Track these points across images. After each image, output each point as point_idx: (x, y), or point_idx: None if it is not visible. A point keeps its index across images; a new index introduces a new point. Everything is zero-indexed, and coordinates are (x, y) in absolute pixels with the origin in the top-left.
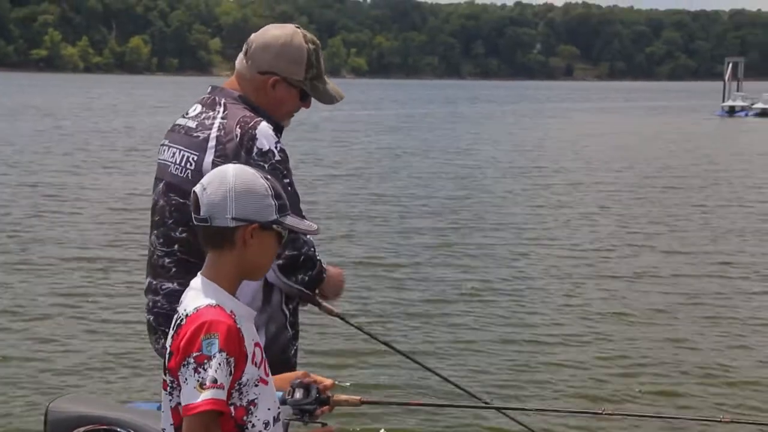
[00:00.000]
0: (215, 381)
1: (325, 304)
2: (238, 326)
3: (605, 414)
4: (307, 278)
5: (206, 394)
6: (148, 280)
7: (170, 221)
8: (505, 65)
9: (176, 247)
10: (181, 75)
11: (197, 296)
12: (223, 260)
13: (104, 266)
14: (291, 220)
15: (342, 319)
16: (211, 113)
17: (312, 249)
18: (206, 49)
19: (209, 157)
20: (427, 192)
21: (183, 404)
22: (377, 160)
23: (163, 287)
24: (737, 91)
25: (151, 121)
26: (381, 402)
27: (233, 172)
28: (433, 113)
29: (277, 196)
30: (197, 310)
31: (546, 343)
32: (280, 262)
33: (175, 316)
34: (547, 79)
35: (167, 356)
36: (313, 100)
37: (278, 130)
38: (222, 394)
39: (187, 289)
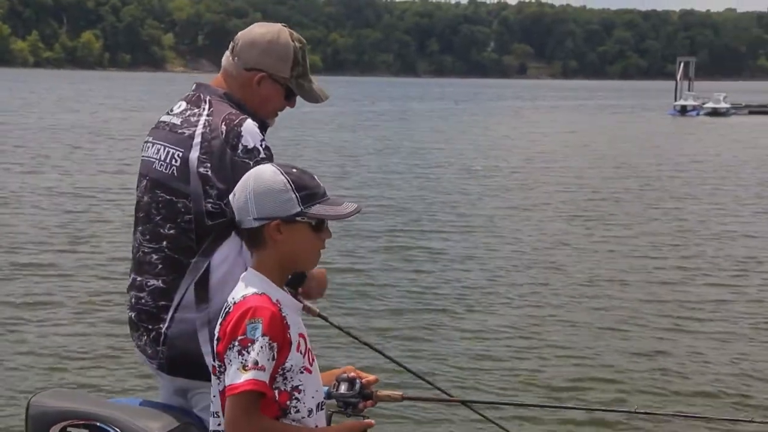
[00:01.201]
0: (257, 363)
1: (306, 302)
2: (283, 314)
3: (637, 412)
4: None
5: (248, 375)
6: (132, 276)
7: (158, 218)
8: (459, 63)
9: (164, 243)
10: (134, 70)
11: (245, 286)
12: (264, 257)
13: (74, 265)
14: (319, 209)
15: (323, 318)
16: (196, 110)
17: None
18: (159, 44)
19: (194, 153)
20: (381, 192)
21: (226, 385)
22: (331, 159)
23: (149, 284)
24: (688, 90)
25: (98, 117)
26: (422, 398)
27: (253, 174)
28: (388, 111)
29: (299, 188)
30: (244, 298)
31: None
32: None
33: (224, 305)
34: (501, 77)
35: (215, 342)
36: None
37: (263, 128)
38: (263, 376)
39: (239, 281)
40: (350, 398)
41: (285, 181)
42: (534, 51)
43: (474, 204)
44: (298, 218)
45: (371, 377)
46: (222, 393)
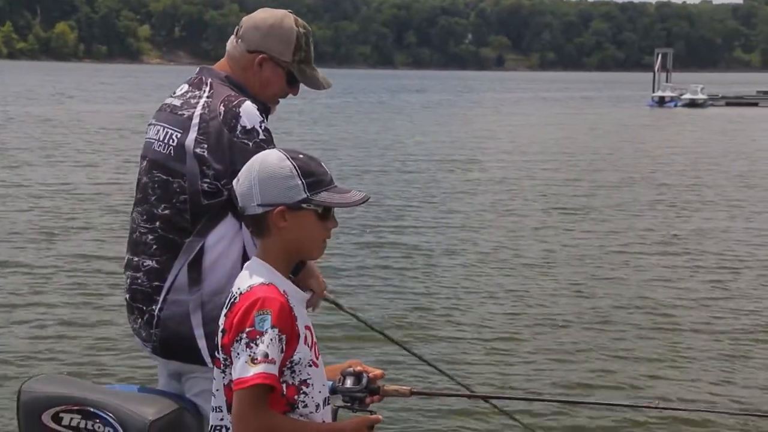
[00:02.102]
0: (267, 356)
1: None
2: (291, 305)
3: (658, 408)
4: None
5: (257, 369)
6: (128, 256)
7: (153, 198)
8: (437, 55)
9: (158, 224)
10: (109, 62)
11: (251, 275)
12: (268, 245)
13: (50, 263)
14: (325, 196)
15: (337, 305)
16: (197, 92)
17: None
18: (135, 36)
19: (192, 134)
20: (360, 186)
21: (234, 378)
22: (310, 153)
23: (144, 264)
24: (666, 81)
25: (69, 110)
26: (431, 393)
27: (259, 159)
28: (365, 103)
29: (305, 174)
30: (251, 288)
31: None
32: None
33: (229, 295)
34: (479, 69)
35: (220, 334)
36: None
37: (265, 111)
38: (273, 369)
39: (242, 270)
40: (357, 393)
41: (291, 166)
42: (511, 43)
43: (455, 198)
44: (304, 205)
45: (378, 371)
46: (227, 387)
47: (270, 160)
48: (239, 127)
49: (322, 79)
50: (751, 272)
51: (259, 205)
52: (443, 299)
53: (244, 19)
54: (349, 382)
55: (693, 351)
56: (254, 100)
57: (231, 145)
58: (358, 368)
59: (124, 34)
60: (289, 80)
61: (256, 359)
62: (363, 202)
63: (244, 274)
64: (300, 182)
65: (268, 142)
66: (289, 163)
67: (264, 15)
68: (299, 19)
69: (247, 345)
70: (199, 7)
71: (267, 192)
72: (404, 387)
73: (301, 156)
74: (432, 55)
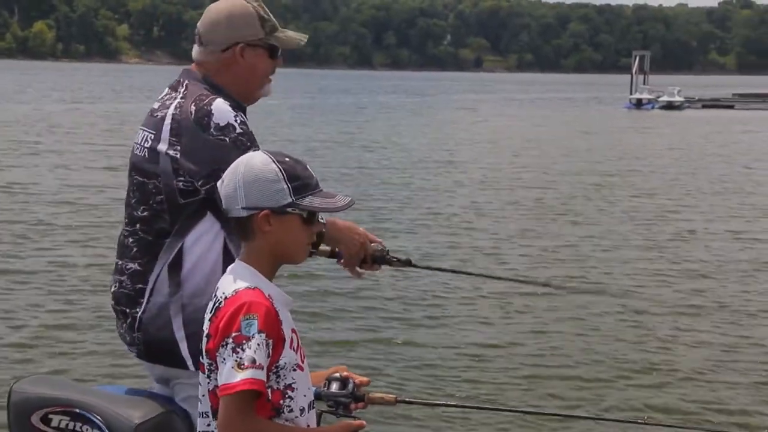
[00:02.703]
0: (254, 361)
1: (393, 258)
2: (276, 309)
3: (647, 423)
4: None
5: (245, 374)
6: (116, 260)
7: (133, 201)
8: (416, 56)
9: (138, 226)
10: (87, 61)
11: (236, 279)
12: (253, 248)
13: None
14: (310, 201)
15: (414, 266)
16: (173, 94)
17: None
18: (113, 35)
19: (164, 135)
20: (336, 188)
21: (220, 384)
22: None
23: (128, 267)
24: (643, 84)
25: (42, 110)
26: (417, 402)
27: (244, 161)
28: (343, 104)
29: (291, 178)
30: (236, 293)
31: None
32: None
33: (213, 300)
34: (457, 71)
35: (205, 339)
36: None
37: (240, 108)
38: (261, 375)
39: (226, 273)
40: (342, 398)
41: (277, 170)
42: (490, 44)
43: (434, 200)
44: (289, 209)
45: (364, 379)
46: (212, 392)
47: (255, 162)
48: (213, 125)
49: (295, 36)
50: (734, 275)
51: (243, 208)
52: (422, 305)
53: (198, 25)
54: (334, 387)
55: (677, 360)
56: (228, 98)
57: (205, 144)
58: (344, 374)
59: (102, 33)
60: (271, 54)
61: (243, 364)
62: (347, 208)
63: (228, 277)
64: (285, 186)
65: (247, 135)
66: (275, 166)
67: (214, 12)
68: None
69: (234, 350)
70: (179, 6)
71: (252, 195)
72: (389, 395)
73: (286, 159)
74: (411, 56)
